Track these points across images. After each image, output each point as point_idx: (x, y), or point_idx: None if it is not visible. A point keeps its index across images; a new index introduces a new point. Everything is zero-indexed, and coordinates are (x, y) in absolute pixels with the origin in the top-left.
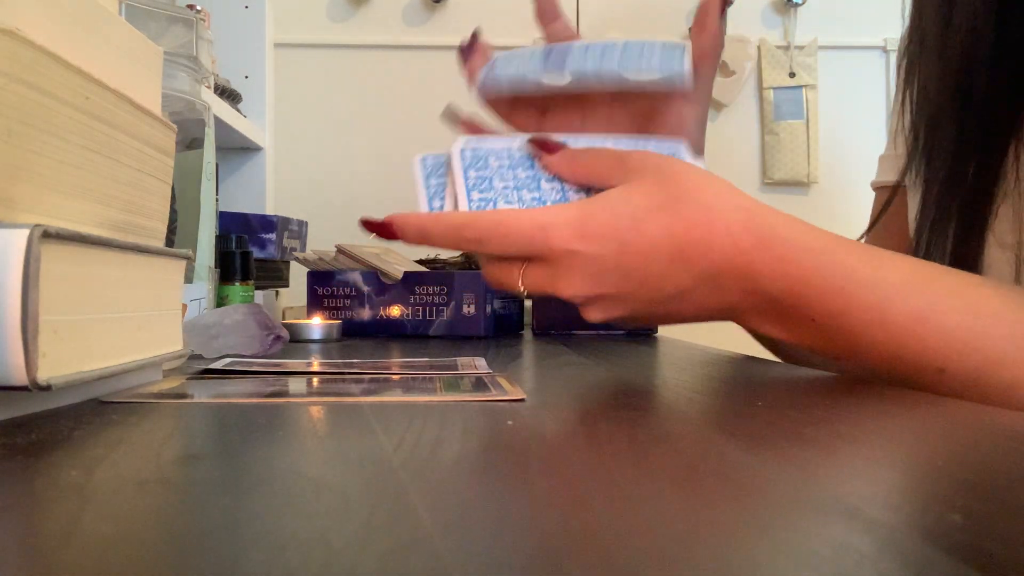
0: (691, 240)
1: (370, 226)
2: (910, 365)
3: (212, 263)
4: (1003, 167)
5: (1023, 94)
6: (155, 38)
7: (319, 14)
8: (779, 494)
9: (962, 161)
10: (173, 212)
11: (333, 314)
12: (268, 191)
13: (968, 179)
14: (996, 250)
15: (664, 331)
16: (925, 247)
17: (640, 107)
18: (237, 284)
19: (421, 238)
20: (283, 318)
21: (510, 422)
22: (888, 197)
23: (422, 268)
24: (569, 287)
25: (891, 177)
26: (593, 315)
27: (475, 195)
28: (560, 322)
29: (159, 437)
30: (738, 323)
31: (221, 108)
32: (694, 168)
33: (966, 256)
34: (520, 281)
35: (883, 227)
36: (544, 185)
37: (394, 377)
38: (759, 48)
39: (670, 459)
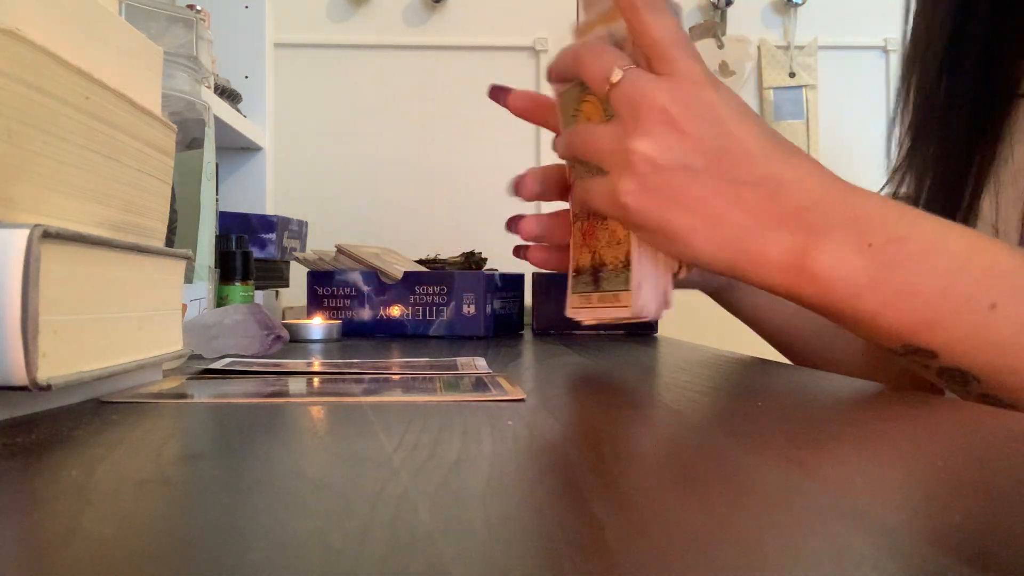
0: (786, 147)
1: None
2: (962, 296)
3: (212, 263)
4: (992, 156)
5: (1008, 93)
6: (155, 38)
7: (319, 14)
8: (779, 494)
9: (955, 152)
10: (173, 212)
11: (333, 314)
12: (268, 191)
13: (961, 171)
14: (980, 227)
15: (664, 331)
16: None
17: None
18: (237, 284)
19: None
20: (283, 318)
21: (510, 422)
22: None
23: (422, 268)
24: (669, 95)
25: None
26: (654, 141)
27: None
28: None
29: (159, 437)
30: (795, 271)
31: (221, 108)
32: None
33: None
34: (615, 68)
35: None
36: None
37: (394, 377)
38: (759, 48)
39: (670, 459)
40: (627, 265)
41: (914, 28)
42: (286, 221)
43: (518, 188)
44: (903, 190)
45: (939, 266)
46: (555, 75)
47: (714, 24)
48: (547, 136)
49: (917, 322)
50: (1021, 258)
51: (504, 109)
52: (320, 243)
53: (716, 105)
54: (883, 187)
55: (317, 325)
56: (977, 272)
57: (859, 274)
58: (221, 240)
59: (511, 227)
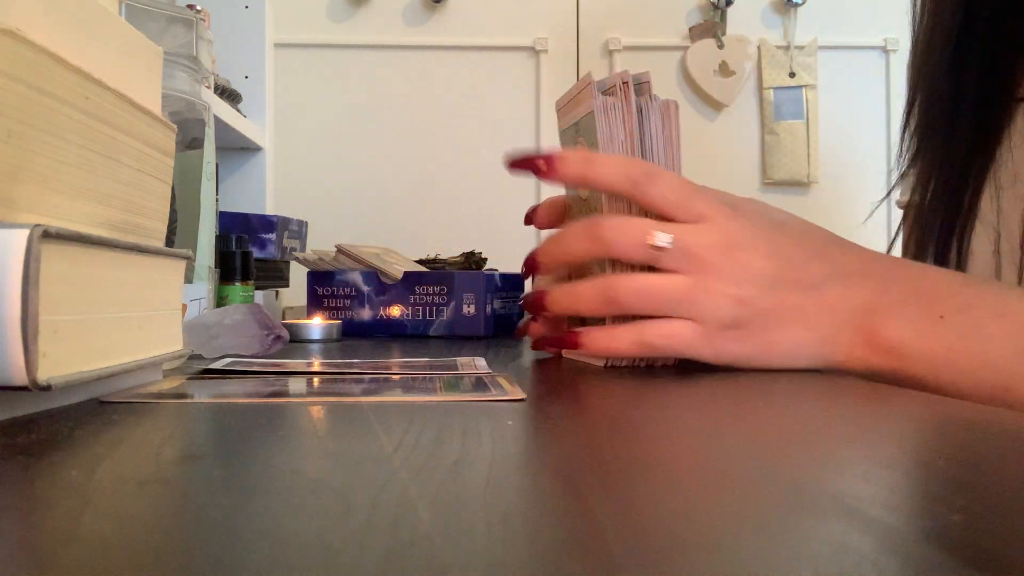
0: (832, 239)
1: (522, 163)
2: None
3: (212, 263)
4: (993, 158)
5: (1010, 89)
6: (155, 38)
7: (319, 14)
8: (779, 494)
9: (957, 154)
10: (173, 212)
11: (333, 314)
12: (268, 191)
13: (962, 172)
14: (980, 227)
15: None
16: (921, 230)
17: None
18: (237, 284)
19: (585, 165)
20: (283, 318)
21: (510, 422)
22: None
23: (422, 268)
24: (715, 245)
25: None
26: (719, 287)
27: None
28: None
29: (159, 437)
30: (862, 342)
31: (221, 108)
32: None
33: (953, 231)
34: (652, 232)
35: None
36: None
37: (394, 377)
38: (759, 48)
39: (670, 459)
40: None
41: (919, 32)
42: (286, 221)
43: (531, 219)
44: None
45: (1003, 328)
46: (566, 263)
47: (714, 24)
48: (547, 136)
49: (994, 386)
50: None
51: (504, 109)
52: (320, 243)
53: (758, 228)
54: (889, 192)
55: (317, 325)
56: None
57: (935, 345)
58: (221, 240)
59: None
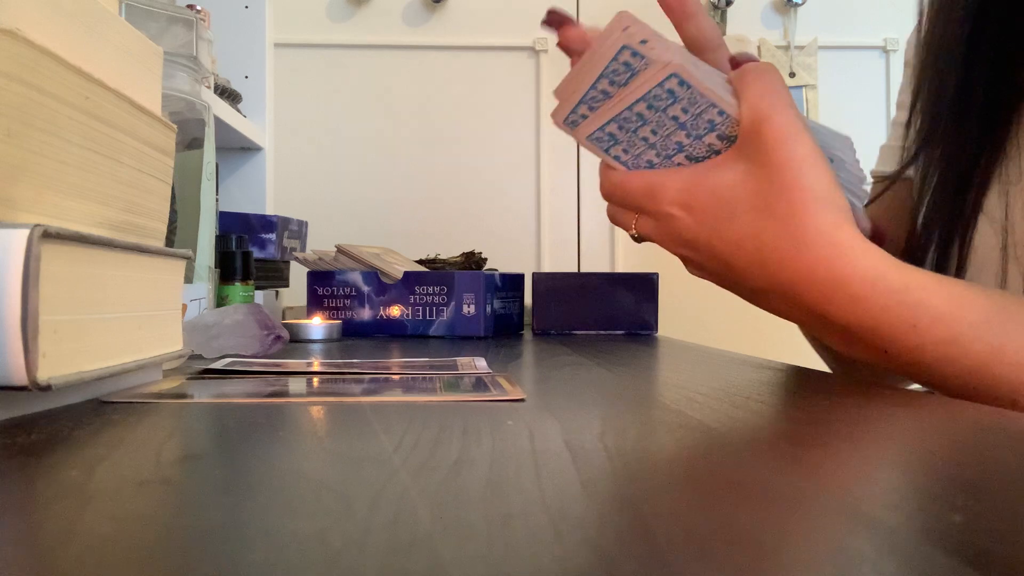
0: (774, 253)
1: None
2: (984, 396)
3: (212, 263)
4: (1000, 155)
5: (1020, 85)
6: (155, 38)
7: (319, 14)
8: (778, 493)
9: (963, 150)
10: (173, 212)
11: (333, 314)
12: (268, 191)
13: (967, 168)
14: (985, 224)
15: (664, 331)
16: (923, 226)
17: None
18: (237, 284)
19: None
20: (283, 318)
21: (510, 422)
22: (883, 188)
23: (422, 268)
24: (666, 241)
25: (888, 168)
26: (689, 270)
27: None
28: (560, 322)
29: (159, 437)
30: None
31: (221, 108)
32: (815, 171)
33: (956, 228)
34: (633, 226)
35: (883, 216)
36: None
37: (394, 377)
38: (759, 48)
39: (670, 458)
40: None
41: (927, 34)
42: (286, 221)
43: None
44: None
45: (951, 372)
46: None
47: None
48: (547, 136)
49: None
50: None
51: (504, 109)
52: (320, 243)
53: (708, 238)
54: (887, 187)
55: (317, 325)
56: (1000, 373)
57: (873, 362)
58: (221, 240)
59: (551, 22)
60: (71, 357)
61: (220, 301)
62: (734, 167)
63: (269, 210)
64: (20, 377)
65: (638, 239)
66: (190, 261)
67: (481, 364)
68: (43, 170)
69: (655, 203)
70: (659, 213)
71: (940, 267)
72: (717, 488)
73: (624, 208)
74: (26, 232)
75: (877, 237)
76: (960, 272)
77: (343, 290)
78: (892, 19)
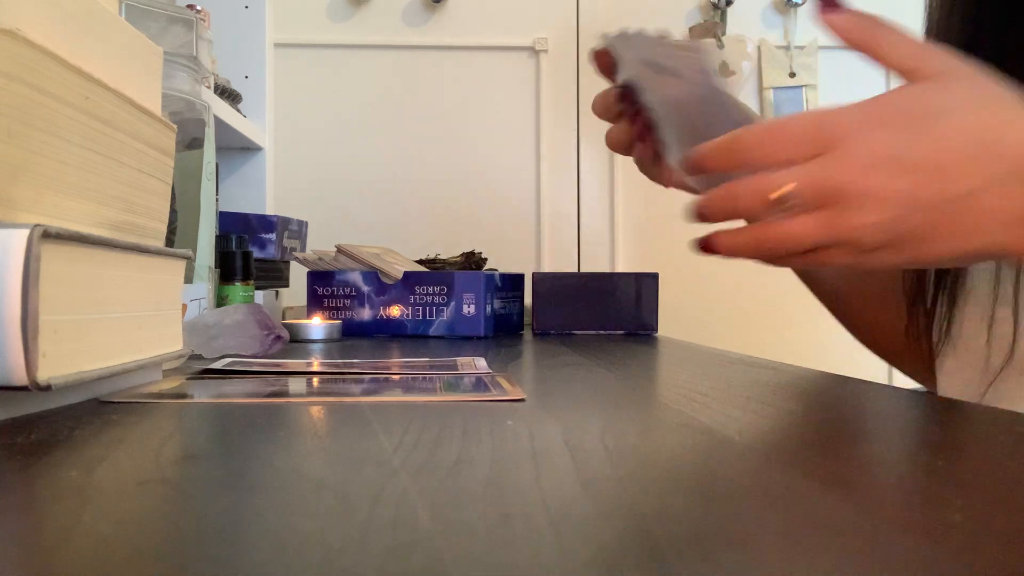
0: (985, 140)
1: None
2: None
3: (212, 263)
4: None
5: None
6: (155, 38)
7: (319, 14)
8: (777, 493)
9: None
10: (173, 212)
11: (333, 314)
12: (268, 191)
13: None
14: None
15: (664, 331)
16: None
17: None
18: (237, 284)
19: (697, 170)
20: (283, 318)
21: (510, 422)
22: None
23: (422, 268)
24: (853, 173)
25: None
26: (860, 218)
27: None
28: (560, 322)
29: (159, 437)
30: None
31: (221, 108)
32: (990, 81)
33: None
34: (792, 181)
35: None
36: None
37: (394, 377)
38: (759, 48)
39: (670, 458)
40: None
41: (927, 35)
42: (286, 221)
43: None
44: None
45: None
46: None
47: (714, 24)
48: (547, 136)
49: None
50: None
51: (504, 109)
52: (320, 243)
53: (898, 133)
54: None
55: (317, 325)
56: None
57: None
58: (221, 240)
59: None
60: (71, 357)
61: (220, 301)
62: (917, 85)
63: (269, 210)
64: (20, 377)
65: (788, 203)
66: (190, 261)
67: (481, 364)
68: (43, 170)
69: (839, 130)
70: (847, 140)
71: (940, 269)
72: (717, 488)
73: (774, 161)
74: (26, 232)
75: None
76: (960, 272)
77: (343, 290)
78: (891, 19)
